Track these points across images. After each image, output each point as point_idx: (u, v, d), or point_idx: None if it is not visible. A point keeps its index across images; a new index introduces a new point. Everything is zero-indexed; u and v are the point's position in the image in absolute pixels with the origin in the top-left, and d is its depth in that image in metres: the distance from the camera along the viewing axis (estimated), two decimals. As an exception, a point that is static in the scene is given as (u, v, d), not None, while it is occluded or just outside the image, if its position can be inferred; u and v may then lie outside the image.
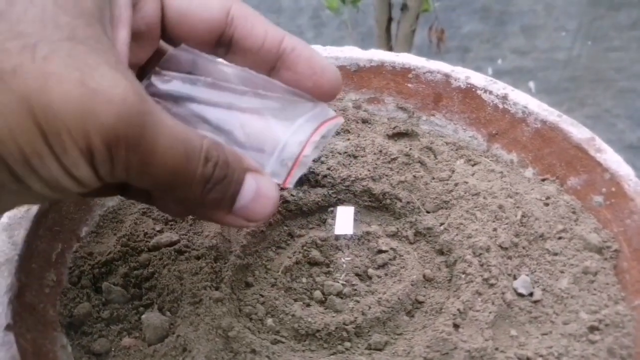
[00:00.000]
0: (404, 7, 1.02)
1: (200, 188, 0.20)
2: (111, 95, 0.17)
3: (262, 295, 0.31)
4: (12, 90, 0.16)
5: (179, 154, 0.19)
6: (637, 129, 1.51)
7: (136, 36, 0.21)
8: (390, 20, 1.05)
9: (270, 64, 0.24)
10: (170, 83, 0.22)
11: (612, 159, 0.32)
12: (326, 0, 1.12)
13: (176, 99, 0.23)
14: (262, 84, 0.24)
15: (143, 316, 0.29)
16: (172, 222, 0.34)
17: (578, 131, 0.34)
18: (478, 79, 0.38)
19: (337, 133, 0.40)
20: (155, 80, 0.22)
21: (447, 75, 0.39)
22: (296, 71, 0.24)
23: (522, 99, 0.37)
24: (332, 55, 0.41)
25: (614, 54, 1.60)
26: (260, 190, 0.22)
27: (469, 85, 0.39)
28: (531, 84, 1.58)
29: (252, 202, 0.22)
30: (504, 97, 0.37)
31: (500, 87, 0.38)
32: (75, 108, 0.16)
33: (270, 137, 0.23)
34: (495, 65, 1.61)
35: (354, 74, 0.41)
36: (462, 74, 0.39)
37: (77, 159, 0.17)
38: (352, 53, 0.41)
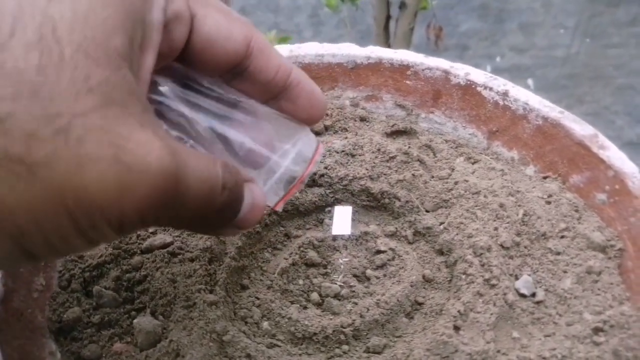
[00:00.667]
0: (402, 5, 1.01)
1: (216, 214, 0.21)
2: (146, 166, 0.17)
3: (258, 298, 0.30)
4: (43, 182, 0.15)
5: (205, 193, 0.19)
6: (636, 125, 1.51)
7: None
8: (388, 18, 1.04)
9: (273, 95, 0.24)
10: (171, 90, 0.22)
11: (615, 155, 0.31)
12: (324, -2, 1.11)
13: (176, 105, 0.22)
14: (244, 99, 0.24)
15: (135, 321, 0.28)
16: (165, 224, 0.33)
17: (580, 128, 0.33)
18: (478, 76, 0.38)
19: (335, 132, 0.39)
20: (160, 88, 0.22)
21: (446, 72, 0.38)
22: (296, 103, 0.24)
23: (523, 96, 0.36)
24: (329, 52, 0.40)
25: (613, 50, 1.59)
26: (254, 201, 0.22)
27: (468, 82, 0.38)
28: (530, 82, 1.58)
29: (248, 214, 0.22)
30: (505, 94, 0.37)
31: (500, 83, 0.37)
32: (111, 188, 0.16)
33: (265, 156, 0.23)
34: (494, 63, 1.60)
35: (352, 71, 0.40)
36: (462, 71, 0.38)
37: (105, 230, 0.17)
38: (350, 50, 0.40)
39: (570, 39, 1.65)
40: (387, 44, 1.05)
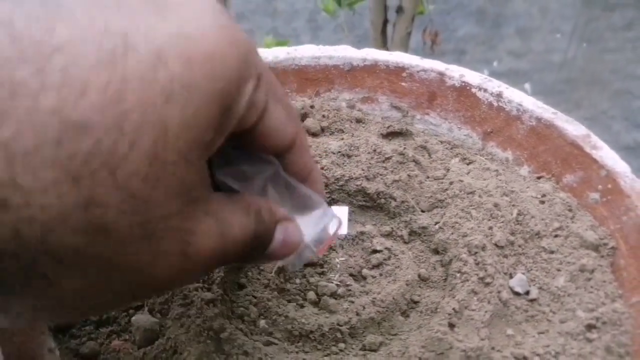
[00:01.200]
0: (400, 10, 1.02)
1: (245, 258, 0.22)
2: (205, 254, 0.18)
3: (255, 297, 0.31)
4: (121, 276, 0.17)
5: (242, 248, 0.21)
6: (633, 130, 1.52)
7: None
8: (385, 22, 1.05)
9: None
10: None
11: (608, 155, 0.32)
12: (322, 3, 1.12)
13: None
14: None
15: (133, 318, 0.28)
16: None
17: (573, 128, 0.34)
18: (472, 77, 0.38)
19: (331, 133, 0.39)
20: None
21: (441, 74, 0.39)
22: None
23: (517, 97, 0.37)
24: (325, 54, 0.40)
25: (609, 55, 1.60)
26: (286, 239, 0.23)
27: (463, 84, 0.38)
28: (527, 86, 1.59)
29: (278, 249, 0.23)
30: (499, 95, 0.37)
31: (494, 85, 0.37)
32: (174, 276, 0.18)
33: (317, 202, 0.25)
34: (491, 68, 1.61)
35: (348, 74, 0.40)
36: (457, 72, 0.39)
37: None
38: (346, 52, 0.40)
39: (567, 44, 1.66)
40: (384, 48, 1.06)
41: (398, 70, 0.40)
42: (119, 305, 0.19)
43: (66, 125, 0.14)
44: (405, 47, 1.04)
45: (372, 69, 0.40)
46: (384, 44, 1.07)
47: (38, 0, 0.15)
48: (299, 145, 0.23)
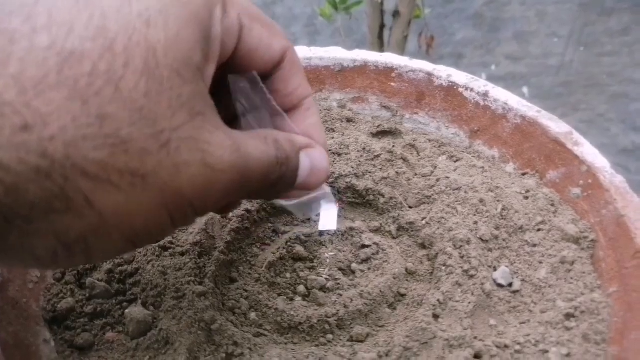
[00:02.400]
0: (396, 14, 1.03)
1: (274, 186, 0.23)
2: (223, 165, 0.20)
3: (246, 290, 0.31)
4: (153, 188, 0.18)
5: (263, 173, 0.22)
6: (631, 132, 1.52)
7: None
8: (382, 27, 1.06)
9: (284, 109, 0.26)
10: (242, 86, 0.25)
11: (588, 151, 0.33)
12: (319, 8, 1.13)
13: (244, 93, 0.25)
14: None
15: (127, 311, 0.29)
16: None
17: (556, 125, 0.35)
18: (459, 77, 0.39)
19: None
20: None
21: (429, 74, 0.40)
22: (298, 126, 0.26)
23: (503, 96, 0.37)
24: (316, 55, 0.41)
25: (606, 59, 1.61)
26: (314, 165, 0.25)
27: (450, 83, 0.39)
28: (525, 90, 1.59)
29: (308, 177, 0.25)
30: (485, 94, 0.38)
31: (481, 84, 0.38)
32: (199, 186, 0.19)
33: None
34: (489, 71, 1.62)
35: (338, 74, 0.41)
36: (444, 72, 0.40)
37: (191, 218, 0.21)
38: (336, 53, 0.41)
39: (564, 48, 1.67)
40: (381, 52, 1.06)
41: (387, 71, 0.41)
42: (164, 230, 0.20)
43: (63, 56, 0.16)
44: (402, 51, 1.05)
45: (362, 69, 0.41)
46: (380, 48, 1.08)
47: None
48: (289, 60, 0.24)
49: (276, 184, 0.23)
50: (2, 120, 0.15)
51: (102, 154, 0.17)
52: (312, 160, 0.25)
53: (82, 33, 0.17)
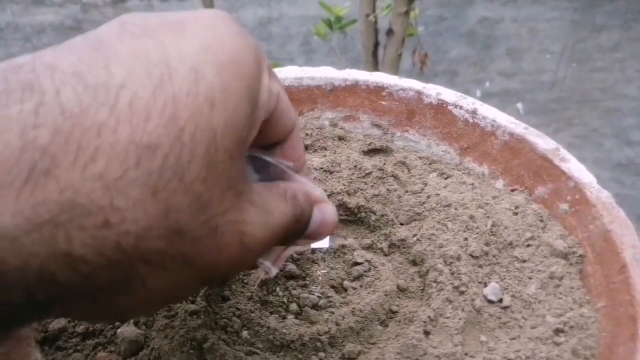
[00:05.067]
0: (390, 32, 1.04)
1: (286, 238, 0.24)
2: (257, 245, 0.21)
3: (238, 309, 0.32)
4: (196, 268, 0.19)
5: (284, 233, 0.23)
6: (625, 147, 1.54)
7: None
8: (376, 45, 1.07)
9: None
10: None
11: (575, 167, 0.33)
12: (314, 27, 1.15)
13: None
14: None
15: (118, 330, 0.29)
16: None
17: (543, 142, 0.35)
18: (448, 95, 0.40)
19: (314, 150, 0.41)
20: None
21: (419, 92, 0.40)
22: None
23: (491, 113, 0.38)
24: (308, 75, 0.42)
25: (598, 74, 1.63)
26: (324, 219, 0.25)
27: (439, 101, 0.40)
28: (519, 105, 1.61)
29: (316, 230, 0.25)
30: (474, 112, 0.39)
31: (469, 102, 0.39)
32: (234, 266, 0.21)
33: None
34: (484, 88, 1.64)
35: (330, 93, 0.42)
36: (433, 91, 0.40)
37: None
38: (327, 73, 0.42)
39: (557, 64, 1.69)
40: (375, 69, 1.08)
41: (378, 90, 0.41)
42: (190, 294, 0.23)
43: (141, 149, 0.17)
44: (396, 69, 1.06)
45: (353, 88, 0.42)
46: (375, 66, 1.09)
47: (86, 46, 0.17)
48: (297, 128, 0.25)
49: (290, 237, 0.24)
50: (88, 220, 0.16)
51: (163, 243, 0.18)
52: (324, 214, 0.25)
53: (157, 122, 0.17)
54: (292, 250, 0.29)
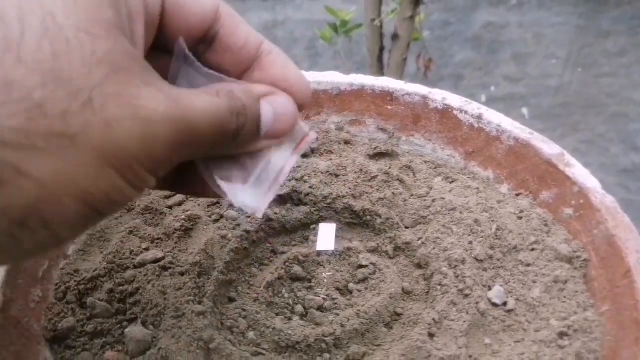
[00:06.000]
0: (395, 37, 1.05)
1: (233, 139, 0.23)
2: (159, 116, 0.19)
3: (245, 310, 0.32)
4: (86, 148, 0.18)
5: (214, 123, 0.21)
6: (631, 152, 1.53)
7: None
8: (382, 49, 1.07)
9: (247, 65, 0.25)
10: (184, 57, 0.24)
11: (580, 172, 0.33)
12: (320, 31, 1.15)
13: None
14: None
15: (126, 330, 0.30)
16: (158, 240, 0.35)
17: (549, 147, 0.35)
18: (454, 100, 0.40)
19: (321, 154, 0.41)
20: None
21: (424, 97, 0.41)
22: (269, 74, 0.25)
23: (496, 118, 0.38)
24: (314, 80, 0.43)
25: (604, 80, 1.63)
26: (278, 111, 0.24)
27: (445, 106, 0.40)
28: (524, 110, 1.61)
29: (274, 124, 0.24)
30: (479, 117, 0.39)
31: (475, 107, 0.39)
32: (137, 139, 0.19)
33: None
34: (489, 92, 1.64)
35: (336, 98, 0.42)
36: (439, 96, 0.41)
37: (145, 176, 0.20)
38: (334, 78, 0.42)
39: (562, 69, 1.69)
40: (381, 74, 1.08)
41: (384, 95, 0.42)
42: (115, 190, 0.19)
43: None
44: (401, 73, 1.06)
45: (359, 93, 0.42)
46: (380, 70, 1.09)
47: None
48: (226, 13, 0.24)
49: (236, 135, 0.23)
50: None
51: (19, 120, 0.17)
52: (275, 106, 0.24)
53: None
54: (263, 167, 0.25)
